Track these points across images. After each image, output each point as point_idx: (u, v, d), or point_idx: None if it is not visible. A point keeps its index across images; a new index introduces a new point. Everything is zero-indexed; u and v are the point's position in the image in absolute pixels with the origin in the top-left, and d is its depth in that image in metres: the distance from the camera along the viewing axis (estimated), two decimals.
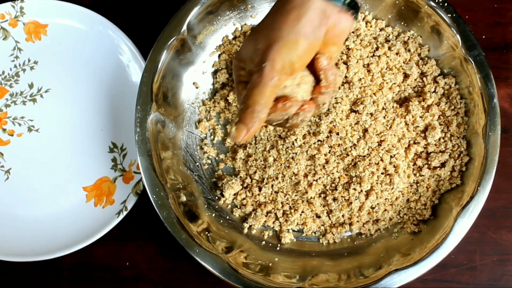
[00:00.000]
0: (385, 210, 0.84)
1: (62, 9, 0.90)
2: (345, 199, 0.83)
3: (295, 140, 0.82)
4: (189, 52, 0.85)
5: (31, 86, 0.91)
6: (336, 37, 0.63)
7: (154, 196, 0.79)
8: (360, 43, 0.85)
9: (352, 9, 0.62)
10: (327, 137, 0.82)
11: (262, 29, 0.62)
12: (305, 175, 0.83)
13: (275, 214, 0.85)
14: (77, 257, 0.87)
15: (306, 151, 0.82)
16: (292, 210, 0.84)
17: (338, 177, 0.83)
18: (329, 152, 0.82)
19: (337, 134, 0.82)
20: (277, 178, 0.84)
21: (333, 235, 0.84)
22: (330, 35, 0.62)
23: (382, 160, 0.81)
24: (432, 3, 0.82)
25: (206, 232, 0.81)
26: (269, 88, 0.59)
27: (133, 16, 0.92)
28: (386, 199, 0.83)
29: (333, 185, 0.83)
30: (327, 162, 0.82)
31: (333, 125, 0.81)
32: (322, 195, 0.84)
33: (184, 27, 0.82)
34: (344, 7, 0.61)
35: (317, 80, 0.65)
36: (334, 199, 0.83)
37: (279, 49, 0.59)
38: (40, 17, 0.91)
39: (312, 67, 0.64)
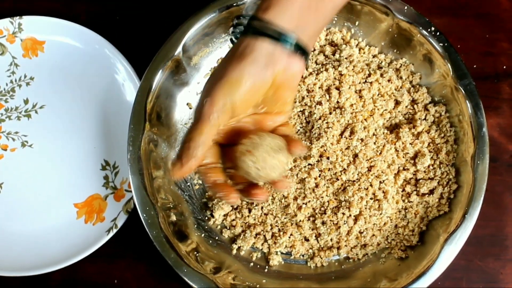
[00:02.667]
0: (373, 235, 0.84)
1: (60, 26, 0.91)
2: (333, 223, 0.83)
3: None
4: (183, 73, 0.86)
5: (26, 101, 0.91)
6: (288, 81, 0.62)
7: (145, 215, 0.79)
8: (352, 69, 0.86)
9: (302, 53, 0.61)
10: (318, 161, 0.83)
11: (213, 76, 0.62)
12: (295, 198, 0.84)
13: (264, 236, 0.85)
14: (65, 274, 0.87)
15: (297, 175, 0.83)
16: (281, 233, 0.84)
17: (328, 201, 0.83)
18: (319, 176, 0.83)
19: (328, 158, 0.82)
20: (266, 200, 0.84)
21: (321, 258, 0.85)
22: (281, 79, 0.61)
23: (371, 185, 0.82)
24: (425, 32, 0.83)
25: (195, 252, 0.82)
26: (206, 125, 0.59)
27: (129, 35, 0.94)
28: (374, 224, 0.83)
29: (322, 208, 0.84)
30: (316, 186, 0.83)
31: (324, 150, 0.82)
32: (311, 219, 0.84)
33: (180, 48, 0.83)
34: (293, 51, 0.60)
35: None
36: (323, 223, 0.84)
37: (221, 86, 0.58)
38: (38, 33, 0.92)
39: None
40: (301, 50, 0.61)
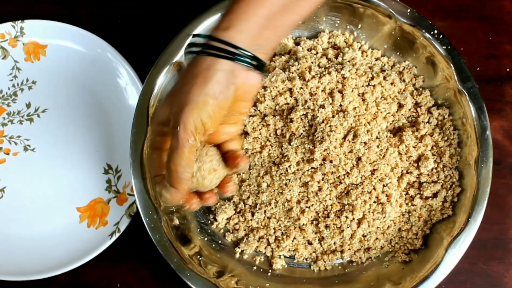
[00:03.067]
0: (377, 238, 0.84)
1: (62, 30, 0.91)
2: (337, 227, 0.83)
3: (289, 166, 0.82)
4: None
5: (28, 105, 0.91)
6: (246, 93, 0.65)
7: (147, 219, 0.79)
8: (355, 72, 0.86)
9: (259, 67, 0.64)
10: (321, 164, 0.82)
11: (175, 93, 0.65)
12: (298, 202, 0.83)
13: (267, 239, 0.85)
14: (68, 278, 0.87)
15: (300, 178, 0.83)
16: (284, 236, 0.84)
17: (331, 205, 0.83)
18: (322, 180, 0.83)
19: (331, 162, 0.82)
20: (270, 204, 0.84)
21: (324, 262, 0.84)
22: (240, 93, 0.64)
23: (374, 189, 0.82)
24: (428, 35, 0.83)
25: (198, 256, 0.81)
26: (186, 149, 0.62)
27: (131, 39, 0.94)
28: (377, 227, 0.83)
29: (325, 212, 0.83)
30: (320, 189, 0.83)
31: (327, 153, 0.82)
32: (314, 222, 0.84)
33: (182, 52, 0.83)
34: (250, 67, 0.63)
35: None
36: (326, 226, 0.83)
37: (190, 111, 0.61)
38: (40, 37, 0.92)
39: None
40: (258, 65, 0.64)
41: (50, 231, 0.87)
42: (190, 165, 0.63)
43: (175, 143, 0.62)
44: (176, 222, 0.82)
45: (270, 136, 0.84)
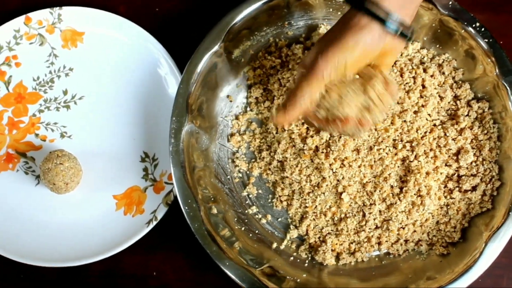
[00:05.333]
0: (414, 231, 0.84)
1: (100, 17, 0.91)
2: (376, 219, 0.83)
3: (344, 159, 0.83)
4: (225, 65, 0.86)
5: (65, 92, 0.91)
6: (391, 50, 0.68)
7: (186, 208, 0.79)
8: (394, 64, 0.85)
9: (403, 29, 0.67)
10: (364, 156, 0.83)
11: (327, 39, 0.66)
12: (342, 191, 0.84)
13: (306, 229, 0.85)
14: (104, 265, 0.87)
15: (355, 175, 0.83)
16: (330, 229, 0.85)
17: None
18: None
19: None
20: (320, 193, 0.85)
21: (362, 253, 0.84)
22: (386, 49, 0.67)
23: (416, 181, 0.82)
24: (469, 28, 0.83)
25: (236, 245, 0.81)
26: (318, 78, 0.64)
27: (168, 27, 0.93)
28: (416, 220, 0.83)
29: (367, 203, 0.84)
30: (364, 176, 0.83)
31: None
32: (355, 213, 0.84)
33: (221, 41, 0.83)
34: (397, 30, 0.66)
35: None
36: (365, 217, 0.84)
37: (339, 49, 0.64)
38: (77, 24, 0.92)
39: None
40: (402, 28, 0.66)
41: (87, 218, 0.88)
42: (311, 96, 0.65)
43: (310, 69, 0.64)
44: (214, 211, 0.82)
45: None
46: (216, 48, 0.83)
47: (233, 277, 0.78)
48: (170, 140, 0.81)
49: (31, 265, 0.85)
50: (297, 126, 0.84)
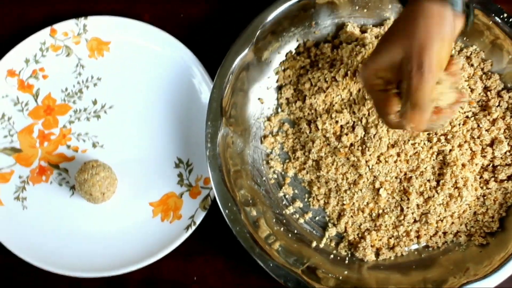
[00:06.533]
0: (452, 223, 0.84)
1: (125, 25, 0.91)
2: (414, 213, 0.84)
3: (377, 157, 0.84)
4: (255, 68, 0.86)
5: (94, 102, 0.91)
6: (455, 35, 0.68)
7: (227, 211, 0.80)
8: None
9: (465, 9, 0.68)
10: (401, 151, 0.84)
11: (400, 37, 0.67)
12: (379, 186, 0.84)
13: (345, 227, 0.86)
14: (144, 272, 0.87)
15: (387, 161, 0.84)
16: (368, 225, 0.86)
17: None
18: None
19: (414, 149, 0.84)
20: (357, 190, 0.85)
21: (401, 248, 0.85)
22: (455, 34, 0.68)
23: (453, 173, 0.82)
24: (497, 19, 0.83)
25: (277, 247, 0.82)
26: (430, 85, 0.64)
27: (195, 32, 0.93)
28: (453, 212, 0.84)
29: (404, 197, 0.84)
30: (400, 172, 0.84)
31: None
32: (395, 209, 0.85)
33: (251, 44, 0.83)
34: (461, 10, 0.67)
35: None
36: (403, 212, 0.84)
37: (434, 51, 0.64)
38: (103, 34, 0.92)
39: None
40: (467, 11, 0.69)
41: (125, 227, 0.88)
42: (432, 100, 0.66)
43: (420, 81, 0.64)
44: (254, 213, 0.82)
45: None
46: (246, 51, 0.84)
47: (277, 278, 0.78)
48: (206, 145, 0.81)
49: (70, 276, 0.85)
50: (331, 124, 0.84)
